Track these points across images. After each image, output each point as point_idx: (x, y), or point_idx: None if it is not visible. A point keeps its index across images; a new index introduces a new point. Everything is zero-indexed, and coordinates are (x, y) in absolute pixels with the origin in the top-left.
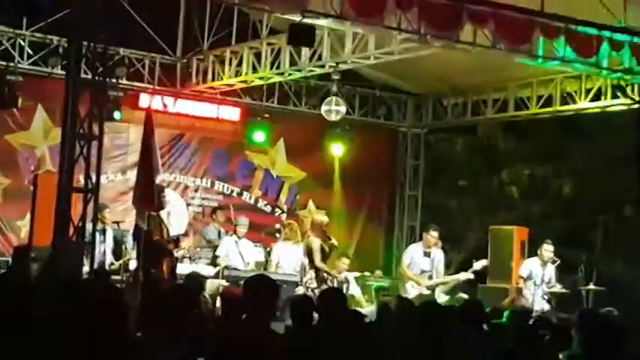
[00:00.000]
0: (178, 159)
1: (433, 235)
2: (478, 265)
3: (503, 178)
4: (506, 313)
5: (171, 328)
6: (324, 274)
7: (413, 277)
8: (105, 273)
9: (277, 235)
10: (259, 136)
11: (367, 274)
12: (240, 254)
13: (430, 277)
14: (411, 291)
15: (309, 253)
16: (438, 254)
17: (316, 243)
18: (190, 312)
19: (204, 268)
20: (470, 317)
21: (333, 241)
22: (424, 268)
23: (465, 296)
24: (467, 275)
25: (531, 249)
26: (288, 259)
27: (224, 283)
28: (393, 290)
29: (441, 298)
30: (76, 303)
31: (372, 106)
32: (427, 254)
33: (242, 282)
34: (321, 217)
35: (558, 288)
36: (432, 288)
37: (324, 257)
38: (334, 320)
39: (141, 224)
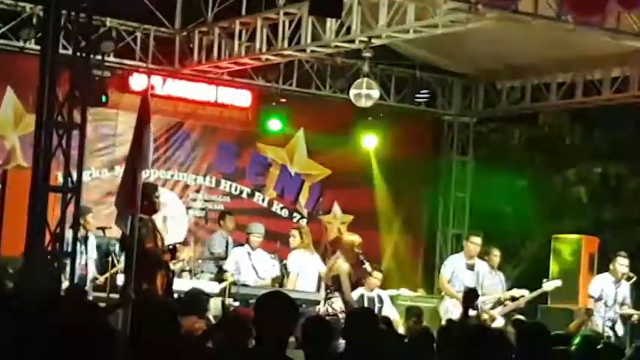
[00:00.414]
0: (176, 152)
1: (475, 241)
2: (549, 285)
3: (570, 178)
4: (576, 340)
5: (166, 356)
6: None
7: (455, 294)
8: (80, 290)
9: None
10: (275, 125)
11: (403, 291)
12: (253, 268)
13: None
14: (453, 312)
15: (335, 281)
16: (483, 267)
17: (345, 271)
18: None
19: (207, 284)
20: (530, 345)
21: (367, 266)
22: (468, 283)
23: (522, 318)
24: (521, 292)
25: (602, 263)
26: (308, 271)
27: (232, 302)
28: (430, 312)
29: (497, 322)
30: (51, 326)
31: (410, 90)
32: (470, 267)
33: (253, 301)
34: (352, 238)
35: (634, 310)
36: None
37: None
38: (364, 347)
39: (121, 227)
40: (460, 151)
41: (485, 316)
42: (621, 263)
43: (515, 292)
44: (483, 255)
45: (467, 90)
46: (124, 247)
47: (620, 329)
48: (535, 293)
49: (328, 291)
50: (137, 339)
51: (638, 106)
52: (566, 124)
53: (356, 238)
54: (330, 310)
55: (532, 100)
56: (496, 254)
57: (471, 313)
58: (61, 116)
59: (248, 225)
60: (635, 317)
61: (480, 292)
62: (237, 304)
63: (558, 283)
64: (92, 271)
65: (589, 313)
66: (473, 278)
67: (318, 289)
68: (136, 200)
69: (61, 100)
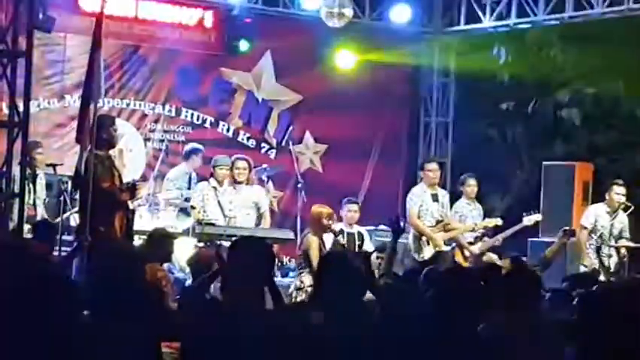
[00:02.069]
0: (132, 79)
1: (431, 168)
2: (529, 220)
3: (560, 100)
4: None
5: (127, 305)
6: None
7: (427, 231)
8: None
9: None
10: (240, 47)
11: (383, 227)
12: (219, 205)
13: (447, 229)
14: (426, 249)
15: (305, 257)
16: (445, 194)
17: (314, 245)
18: (152, 283)
19: (169, 224)
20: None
21: (340, 237)
22: (437, 216)
23: (494, 257)
24: (494, 222)
25: (597, 191)
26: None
27: (196, 242)
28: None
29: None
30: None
31: (386, 6)
32: (435, 197)
33: (219, 241)
34: (320, 209)
35: (632, 243)
36: (452, 242)
37: None
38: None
39: (78, 165)
40: (441, 72)
41: (466, 253)
42: (617, 192)
43: (488, 221)
44: (459, 186)
45: (448, 5)
46: (76, 186)
47: (613, 264)
48: (514, 228)
49: (299, 266)
50: (95, 289)
51: (635, 21)
52: (556, 41)
53: (324, 210)
54: (298, 284)
55: (519, 15)
56: (471, 184)
57: (446, 249)
58: (4, 43)
59: (213, 158)
60: (623, 251)
61: (444, 222)
62: (201, 244)
63: (539, 217)
64: (41, 213)
65: (567, 233)
66: (438, 209)
67: None
68: (90, 134)
69: (3, 25)
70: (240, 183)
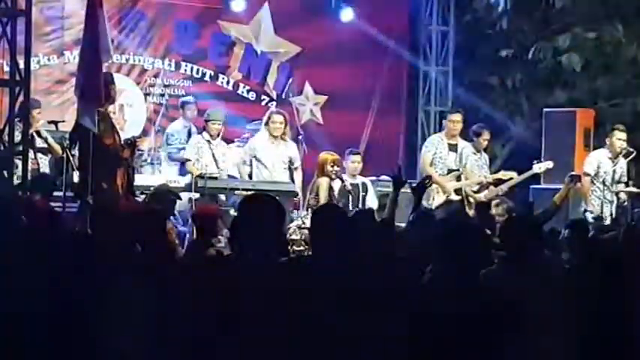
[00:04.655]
0: (130, 34)
1: (454, 119)
2: (540, 167)
3: (560, 45)
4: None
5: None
6: None
7: (438, 179)
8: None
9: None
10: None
11: (385, 178)
12: (213, 158)
13: (459, 178)
14: (436, 197)
15: (316, 193)
16: (467, 147)
17: (323, 186)
18: (157, 241)
19: (170, 179)
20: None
21: (347, 183)
22: (451, 165)
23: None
24: (509, 174)
25: (599, 138)
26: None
27: (198, 197)
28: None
29: None
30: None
31: None
32: (453, 147)
33: (221, 195)
34: (326, 155)
35: (633, 188)
36: (463, 192)
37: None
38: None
39: (89, 125)
40: (440, 21)
41: (470, 201)
42: (619, 137)
43: (503, 173)
44: (473, 136)
45: None
46: (74, 142)
47: (614, 209)
48: (523, 176)
49: (307, 208)
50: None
51: None
52: None
53: (329, 156)
54: (300, 223)
55: None
56: (486, 138)
57: (455, 198)
58: (3, 2)
59: (206, 111)
60: (623, 196)
61: (462, 175)
62: (203, 199)
63: (549, 164)
64: (43, 168)
65: (574, 179)
66: (456, 160)
67: None
68: (101, 96)
69: None
70: (275, 137)
